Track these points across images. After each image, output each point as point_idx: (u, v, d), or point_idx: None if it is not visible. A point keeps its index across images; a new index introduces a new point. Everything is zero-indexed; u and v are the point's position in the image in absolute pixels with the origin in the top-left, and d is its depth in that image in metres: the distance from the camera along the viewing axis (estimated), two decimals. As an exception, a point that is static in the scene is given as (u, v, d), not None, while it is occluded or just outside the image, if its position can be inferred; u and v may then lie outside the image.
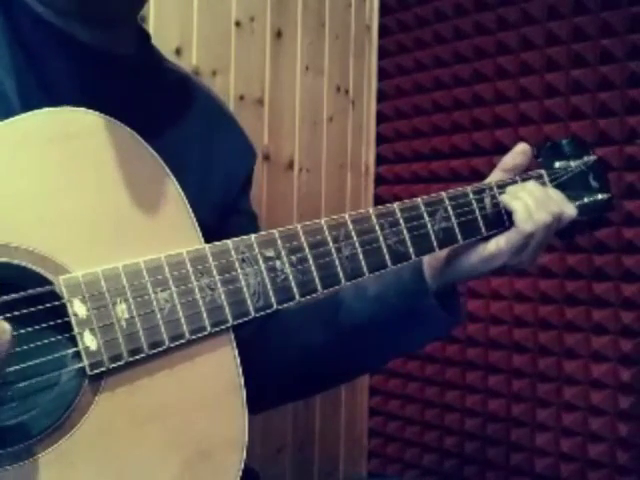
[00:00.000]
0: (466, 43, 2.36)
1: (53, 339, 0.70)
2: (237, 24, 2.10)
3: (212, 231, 0.85)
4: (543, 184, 1.10)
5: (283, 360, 1.12)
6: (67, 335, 0.70)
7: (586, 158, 1.16)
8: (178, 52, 1.90)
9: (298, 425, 2.41)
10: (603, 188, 1.16)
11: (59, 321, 0.70)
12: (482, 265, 1.04)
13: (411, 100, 2.54)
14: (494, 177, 1.10)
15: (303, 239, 0.86)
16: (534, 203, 1.02)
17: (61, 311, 0.70)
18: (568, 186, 1.12)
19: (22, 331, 0.66)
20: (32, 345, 0.68)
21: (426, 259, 1.06)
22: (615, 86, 2.03)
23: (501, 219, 1.05)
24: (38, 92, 0.86)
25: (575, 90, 2.11)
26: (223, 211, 1.06)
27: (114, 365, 0.72)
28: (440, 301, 1.06)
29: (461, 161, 2.37)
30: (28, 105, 0.76)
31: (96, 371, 0.71)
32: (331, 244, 0.88)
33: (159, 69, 1.06)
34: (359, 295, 1.09)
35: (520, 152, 1.09)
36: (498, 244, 1.03)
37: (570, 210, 1.07)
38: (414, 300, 1.06)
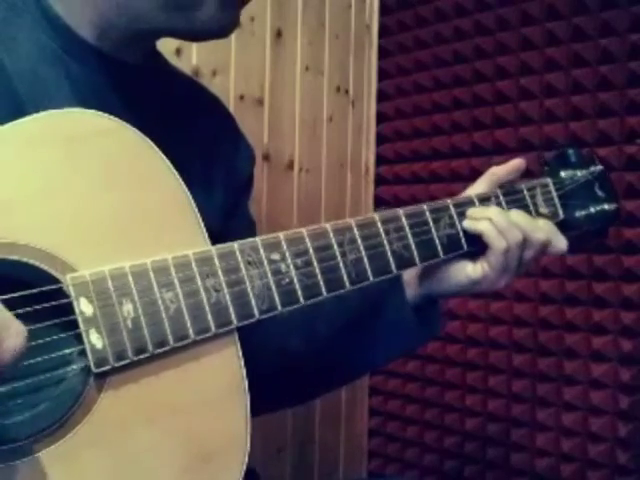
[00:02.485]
0: (466, 43, 2.36)
1: (58, 337, 0.70)
2: (237, 24, 2.09)
3: (216, 235, 0.85)
4: (548, 192, 1.11)
5: (262, 366, 1.09)
6: (73, 333, 0.70)
7: (592, 168, 1.16)
8: (178, 52, 1.90)
9: (298, 425, 2.41)
10: (610, 198, 1.16)
11: (66, 319, 0.70)
12: (470, 287, 1.04)
13: (411, 100, 2.54)
14: (480, 186, 1.08)
15: (308, 243, 0.86)
16: (500, 220, 1.01)
17: (68, 309, 0.70)
18: (574, 195, 1.13)
19: (29, 328, 0.66)
20: (38, 342, 0.68)
21: (406, 272, 1.06)
22: (615, 86, 2.03)
23: None
24: (48, 97, 0.86)
25: (575, 90, 2.11)
26: (225, 215, 1.06)
27: (119, 364, 0.72)
28: (419, 313, 1.07)
29: (461, 161, 2.37)
30: (38, 110, 0.76)
31: (101, 369, 0.71)
32: (336, 248, 0.88)
33: (164, 73, 1.06)
34: (339, 304, 1.09)
35: (515, 169, 1.09)
36: (483, 269, 1.02)
37: (560, 243, 1.06)
38: (391, 313, 1.07)
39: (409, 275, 1.07)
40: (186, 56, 1.92)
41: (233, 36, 2.08)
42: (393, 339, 1.10)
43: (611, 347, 2.05)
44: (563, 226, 1.10)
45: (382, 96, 2.67)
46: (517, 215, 1.03)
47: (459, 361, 2.39)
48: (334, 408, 2.59)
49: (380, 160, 2.68)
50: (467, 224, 1.02)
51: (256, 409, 1.24)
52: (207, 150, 1.05)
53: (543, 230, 1.04)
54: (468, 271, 1.03)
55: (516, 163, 1.09)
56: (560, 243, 1.06)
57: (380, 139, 2.68)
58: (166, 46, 1.77)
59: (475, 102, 2.35)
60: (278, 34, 2.26)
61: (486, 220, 1.00)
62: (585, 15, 2.07)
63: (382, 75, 2.66)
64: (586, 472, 2.08)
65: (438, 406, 2.46)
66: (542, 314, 2.19)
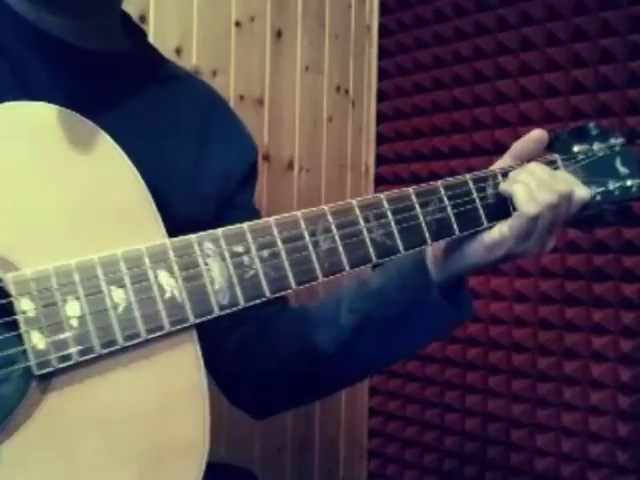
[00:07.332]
0: (466, 43, 2.36)
1: (3, 337, 0.68)
2: (237, 24, 2.10)
3: (205, 224, 0.81)
4: (557, 169, 1.01)
5: (285, 362, 1.08)
6: (15, 333, 0.68)
7: (613, 141, 1.06)
8: (178, 52, 1.91)
9: (298, 425, 2.41)
10: (634, 174, 1.05)
11: (7, 319, 0.67)
12: (486, 254, 0.97)
13: (411, 100, 2.54)
14: (502, 163, 1.02)
15: (276, 233, 0.81)
16: (535, 183, 0.94)
17: (9, 309, 0.67)
18: (589, 171, 1.02)
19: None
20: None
21: (429, 250, 1.01)
22: (615, 86, 2.02)
23: (506, 209, 0.97)
24: (14, 90, 0.85)
25: (575, 90, 2.10)
26: (218, 205, 1.04)
27: (63, 365, 0.69)
28: (446, 295, 1.00)
29: (461, 161, 2.37)
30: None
31: (43, 371, 0.68)
32: (307, 238, 0.82)
33: (152, 66, 1.05)
34: (360, 291, 1.05)
35: (535, 140, 1.02)
36: (501, 231, 0.95)
37: (582, 191, 0.98)
38: (417, 294, 1.01)
39: (431, 254, 1.01)
40: (186, 56, 1.93)
41: (233, 36, 2.09)
42: (421, 323, 1.03)
43: (611, 347, 2.04)
44: None
45: (382, 96, 2.67)
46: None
47: (459, 361, 2.39)
48: (334, 408, 2.59)
49: (380, 160, 2.68)
50: (502, 185, 0.96)
51: (281, 405, 1.22)
52: (199, 141, 1.04)
53: (564, 181, 0.98)
54: (483, 237, 0.96)
55: (534, 134, 1.02)
56: (582, 191, 0.99)
57: (380, 139, 2.68)
58: (166, 45, 1.80)
59: (475, 102, 2.34)
60: (278, 34, 2.26)
61: (521, 183, 0.95)
62: (585, 15, 2.07)
63: (382, 75, 2.66)
64: (586, 472, 2.07)
65: (438, 406, 2.45)
66: (542, 314, 2.18)
